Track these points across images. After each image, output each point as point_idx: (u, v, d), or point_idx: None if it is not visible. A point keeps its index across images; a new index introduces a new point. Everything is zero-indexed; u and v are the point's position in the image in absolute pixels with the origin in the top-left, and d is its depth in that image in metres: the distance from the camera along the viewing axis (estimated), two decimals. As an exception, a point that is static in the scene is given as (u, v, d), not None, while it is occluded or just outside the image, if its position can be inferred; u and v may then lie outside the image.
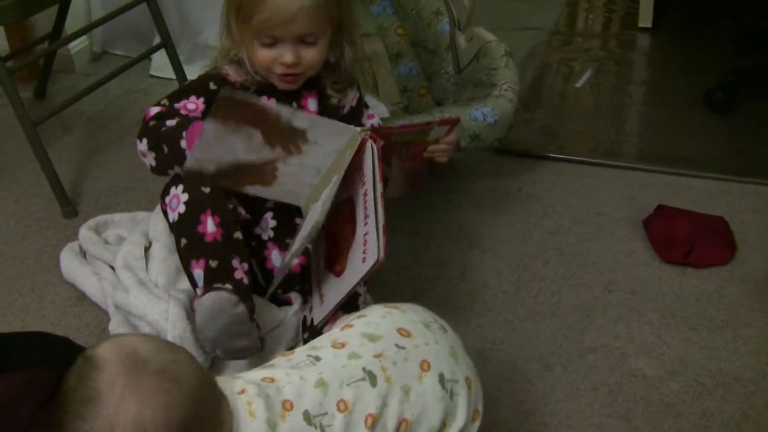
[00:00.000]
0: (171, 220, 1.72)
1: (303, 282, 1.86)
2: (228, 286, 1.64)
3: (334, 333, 1.40)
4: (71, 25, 2.99)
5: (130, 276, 1.93)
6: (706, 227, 2.16)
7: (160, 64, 3.14)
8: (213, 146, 1.69)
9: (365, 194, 1.62)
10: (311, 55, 1.75)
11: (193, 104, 1.80)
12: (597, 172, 2.53)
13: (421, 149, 1.81)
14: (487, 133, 2.24)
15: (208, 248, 1.67)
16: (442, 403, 1.32)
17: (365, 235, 1.60)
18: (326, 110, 1.85)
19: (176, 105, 1.80)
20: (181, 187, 1.71)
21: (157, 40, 2.91)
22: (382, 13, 2.60)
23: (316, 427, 1.22)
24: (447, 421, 1.33)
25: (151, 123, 1.75)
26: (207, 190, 1.70)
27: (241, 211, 1.79)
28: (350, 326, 1.39)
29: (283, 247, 1.85)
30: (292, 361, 1.31)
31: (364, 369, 1.29)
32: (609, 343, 1.89)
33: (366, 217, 1.61)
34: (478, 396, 1.39)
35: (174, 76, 2.87)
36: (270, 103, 1.72)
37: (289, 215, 1.86)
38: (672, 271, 2.10)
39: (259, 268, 1.87)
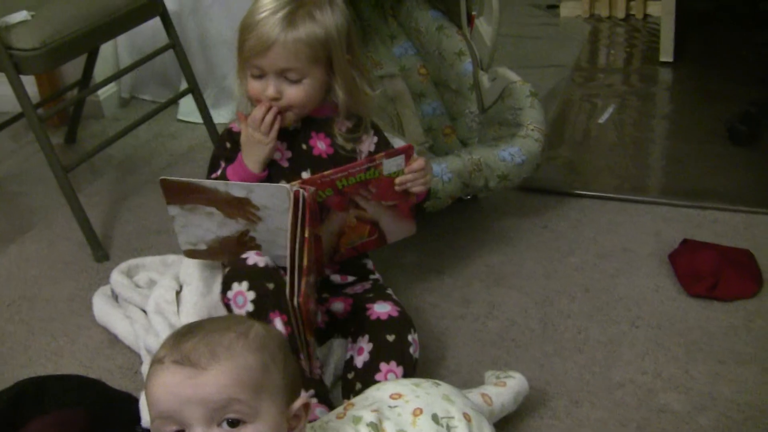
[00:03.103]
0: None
1: (348, 325, 1.89)
2: (311, 391, 1.72)
3: (336, 410, 1.48)
4: (100, 72, 3.05)
5: (161, 320, 1.95)
6: (732, 260, 2.16)
7: (188, 108, 3.19)
8: (189, 229, 1.81)
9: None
10: (294, 92, 1.80)
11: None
12: (622, 207, 2.54)
13: (387, 185, 1.82)
14: (515, 173, 2.25)
15: None
16: None
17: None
18: (339, 156, 1.89)
19: (213, 176, 1.90)
20: (245, 284, 1.74)
21: (183, 85, 2.97)
22: (404, 54, 2.64)
23: None
24: None
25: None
26: (271, 286, 1.74)
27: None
28: (351, 405, 1.47)
29: (320, 301, 1.91)
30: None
31: (367, 424, 1.37)
32: (636, 378, 1.89)
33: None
34: (483, 427, 1.46)
35: (201, 121, 2.92)
36: (204, 180, 1.79)
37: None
38: (698, 305, 2.10)
39: None
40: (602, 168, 2.82)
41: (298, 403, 1.25)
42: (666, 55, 3.55)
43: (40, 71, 2.82)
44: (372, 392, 1.50)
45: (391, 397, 1.45)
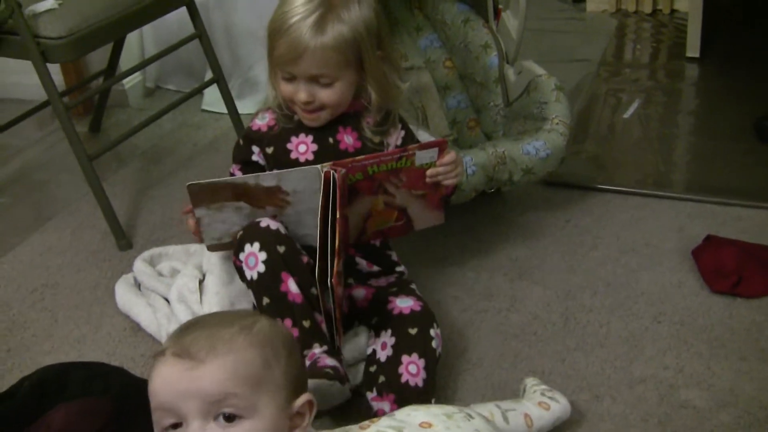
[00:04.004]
0: (249, 278, 1.76)
1: (370, 317, 1.90)
2: (324, 347, 1.72)
3: (362, 423, 1.44)
4: (125, 61, 3.06)
5: (184, 309, 1.96)
6: (756, 257, 2.15)
7: (212, 99, 3.19)
8: (215, 226, 1.82)
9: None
10: (327, 95, 1.82)
11: (238, 172, 1.95)
12: (645, 203, 2.53)
13: (419, 175, 1.83)
14: (540, 167, 2.24)
15: (294, 308, 1.73)
16: None
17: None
18: (367, 149, 1.90)
19: (231, 171, 1.96)
20: (257, 244, 1.75)
21: (208, 75, 2.97)
22: (429, 47, 2.63)
23: None
24: None
25: None
26: (282, 249, 1.75)
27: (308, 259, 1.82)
28: (377, 420, 1.43)
29: (345, 286, 1.92)
30: None
31: None
32: (658, 373, 1.88)
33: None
34: None
35: (226, 111, 2.92)
36: (232, 178, 1.82)
37: (349, 256, 1.94)
38: (721, 302, 2.09)
39: None
40: (627, 163, 2.81)
41: (300, 401, 1.24)
42: (693, 50, 3.53)
43: (67, 60, 2.83)
44: (402, 416, 1.46)
45: (421, 425, 1.40)
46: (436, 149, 1.81)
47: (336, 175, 1.69)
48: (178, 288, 2.03)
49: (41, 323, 2.15)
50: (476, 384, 1.88)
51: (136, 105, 3.39)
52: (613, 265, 2.25)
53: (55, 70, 2.78)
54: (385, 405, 1.74)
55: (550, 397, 1.73)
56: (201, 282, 2.03)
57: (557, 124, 2.27)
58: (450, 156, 1.83)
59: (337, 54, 1.78)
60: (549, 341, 2.00)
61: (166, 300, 2.06)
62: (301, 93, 1.81)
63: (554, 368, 1.90)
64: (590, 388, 1.85)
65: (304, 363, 1.30)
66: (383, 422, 1.41)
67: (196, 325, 1.26)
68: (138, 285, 2.18)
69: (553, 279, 2.21)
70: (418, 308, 1.82)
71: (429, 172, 1.83)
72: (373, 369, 1.80)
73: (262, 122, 1.93)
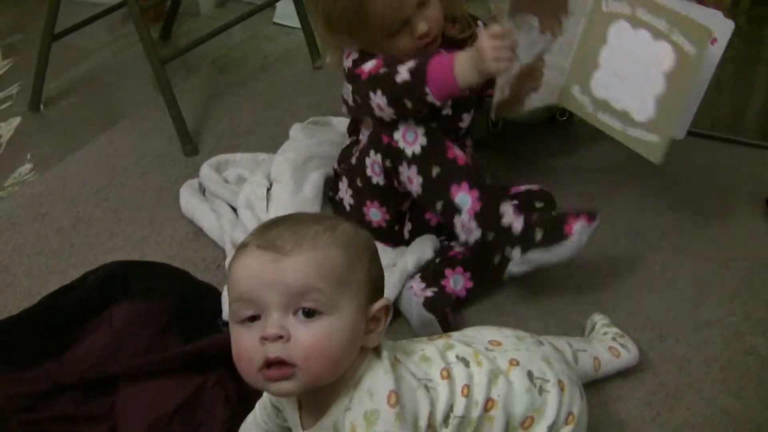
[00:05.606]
0: (410, 155, 1.74)
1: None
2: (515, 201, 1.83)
3: (433, 336, 1.44)
4: (199, -32, 3.04)
5: (250, 215, 1.95)
6: (832, 210, 2.11)
7: (285, 12, 3.15)
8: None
9: None
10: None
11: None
12: (719, 147, 2.46)
13: None
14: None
15: (468, 170, 1.74)
16: (529, 394, 1.33)
17: None
18: None
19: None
20: (411, 121, 1.73)
21: (282, -13, 2.93)
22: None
23: (421, 385, 1.28)
24: (535, 415, 1.33)
25: (382, 71, 1.74)
26: (435, 124, 1.76)
27: None
28: (449, 336, 1.43)
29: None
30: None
31: (457, 356, 1.33)
32: (724, 319, 1.85)
33: None
34: (574, 400, 1.38)
35: (298, 25, 2.89)
36: None
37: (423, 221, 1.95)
38: (793, 252, 2.05)
39: None
40: (701, 106, 2.73)
41: (378, 305, 1.23)
42: (779, -3, 3.43)
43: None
44: (472, 332, 1.46)
45: (490, 342, 1.39)
46: None
47: None
48: (246, 194, 2.02)
49: (105, 222, 2.16)
50: (536, 312, 1.87)
51: (207, 14, 3.36)
52: (683, 208, 2.21)
53: (129, -28, 2.76)
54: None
55: (621, 344, 1.70)
56: (268, 190, 2.02)
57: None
58: None
59: None
60: (614, 278, 1.97)
61: (231, 207, 2.06)
62: (420, 26, 1.76)
63: (618, 304, 1.87)
64: (653, 328, 1.82)
65: (382, 268, 1.29)
66: (454, 337, 1.41)
67: (279, 221, 1.25)
68: (203, 191, 2.17)
69: (622, 218, 2.16)
70: None
71: None
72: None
73: None
